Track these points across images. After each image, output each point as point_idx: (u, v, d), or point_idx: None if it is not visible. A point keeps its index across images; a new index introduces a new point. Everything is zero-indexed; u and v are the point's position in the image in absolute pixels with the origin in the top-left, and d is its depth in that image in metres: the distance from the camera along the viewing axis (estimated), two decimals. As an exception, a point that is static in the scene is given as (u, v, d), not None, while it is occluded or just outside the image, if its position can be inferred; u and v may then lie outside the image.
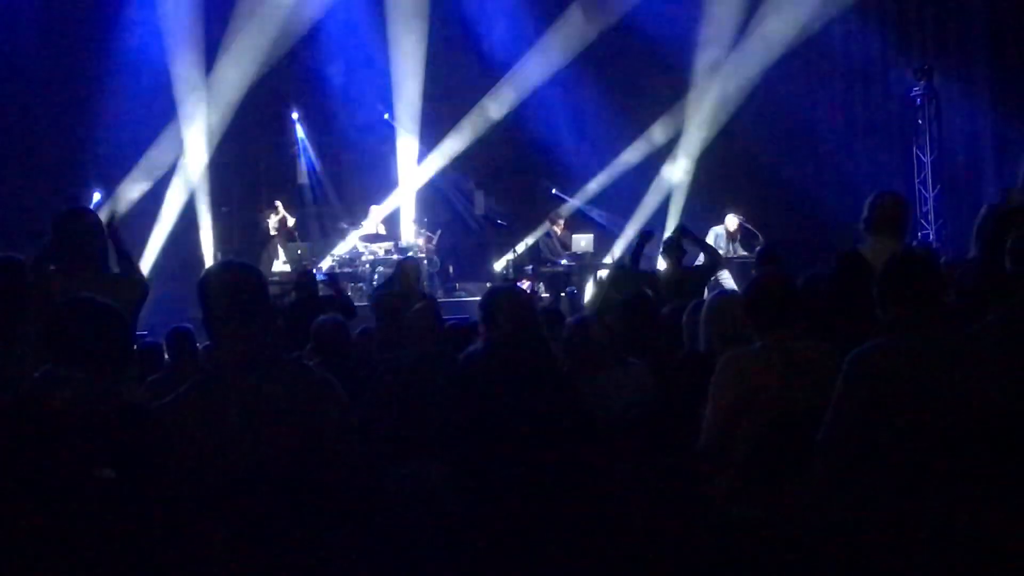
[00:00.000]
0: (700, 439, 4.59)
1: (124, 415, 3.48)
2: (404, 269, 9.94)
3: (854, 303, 4.95)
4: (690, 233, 10.53)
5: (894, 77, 16.21)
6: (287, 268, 15.17)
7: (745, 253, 14.73)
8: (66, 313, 3.52)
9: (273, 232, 15.91)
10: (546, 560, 4.68)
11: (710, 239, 14.45)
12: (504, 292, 5.25)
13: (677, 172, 17.49)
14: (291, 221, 16.06)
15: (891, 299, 3.90)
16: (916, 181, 15.67)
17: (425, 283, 12.64)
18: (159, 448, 3.37)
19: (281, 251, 15.70)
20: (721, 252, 14.67)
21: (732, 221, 15.19)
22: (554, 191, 17.64)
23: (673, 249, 10.02)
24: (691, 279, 9.62)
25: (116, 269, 5.71)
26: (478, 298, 5.52)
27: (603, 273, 13.87)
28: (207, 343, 4.01)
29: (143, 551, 3.32)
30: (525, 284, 14.79)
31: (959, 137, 15.66)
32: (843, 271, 5.49)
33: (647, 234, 10.50)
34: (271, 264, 15.40)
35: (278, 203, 16.21)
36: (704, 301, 5.63)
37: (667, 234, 11.36)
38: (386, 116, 17.76)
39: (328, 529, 3.49)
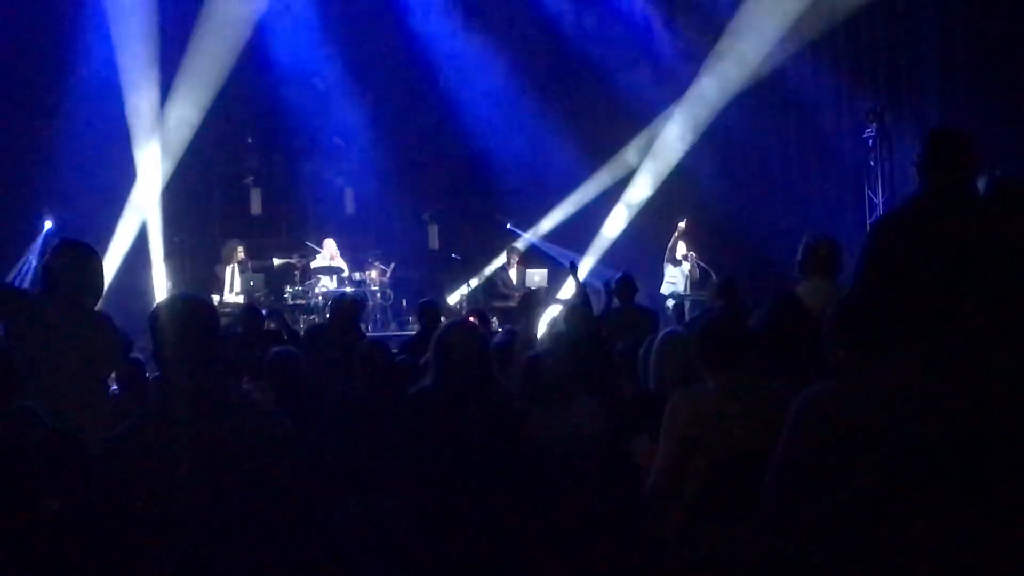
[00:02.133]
0: (650, 477, 4.59)
1: (53, 441, 3.46)
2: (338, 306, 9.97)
3: (790, 345, 5.01)
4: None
5: (847, 117, 16.38)
6: (239, 299, 15.10)
7: (697, 289, 14.86)
8: None
9: (232, 264, 15.78)
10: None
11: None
12: (455, 329, 5.25)
13: (630, 208, 17.57)
14: (241, 255, 15.97)
15: (838, 343, 3.92)
16: (868, 220, 15.82)
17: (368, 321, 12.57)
18: (97, 478, 3.34)
19: (238, 282, 15.59)
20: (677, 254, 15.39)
21: (680, 246, 15.55)
22: (509, 226, 17.69)
23: (625, 287, 10.09)
24: (644, 317, 9.66)
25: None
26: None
27: (555, 309, 13.91)
28: (157, 375, 3.99)
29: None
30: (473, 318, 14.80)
31: (910, 178, 15.77)
32: (779, 313, 5.54)
33: (573, 266, 11.13)
34: (222, 294, 15.29)
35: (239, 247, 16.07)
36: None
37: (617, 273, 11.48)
38: (340, 146, 17.76)
39: (276, 564, 3.46)
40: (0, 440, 3.41)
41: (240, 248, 15.83)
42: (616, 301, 10.13)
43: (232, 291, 15.52)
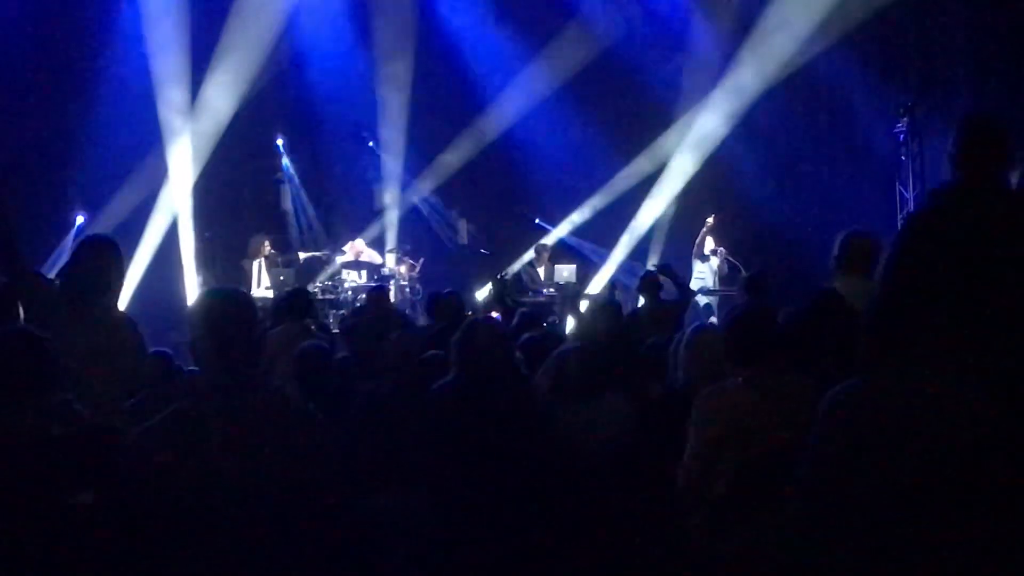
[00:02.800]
0: (679, 474, 4.57)
1: (91, 435, 3.49)
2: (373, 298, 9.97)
3: (829, 340, 4.96)
4: (670, 270, 10.49)
5: (877, 112, 16.27)
6: (268, 294, 15.15)
7: (727, 284, 14.84)
8: None
9: (259, 258, 15.84)
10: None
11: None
12: (478, 325, 5.25)
13: (661, 203, 17.55)
14: (268, 249, 16.02)
15: (866, 340, 3.89)
16: (899, 216, 15.72)
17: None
18: (129, 471, 3.36)
19: (265, 277, 15.66)
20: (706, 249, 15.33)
21: (709, 241, 15.51)
22: (537, 221, 17.69)
23: (651, 284, 10.04)
24: (670, 313, 9.62)
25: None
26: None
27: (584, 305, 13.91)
28: (192, 368, 4.00)
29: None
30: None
31: (941, 173, 15.64)
32: (819, 308, 5.49)
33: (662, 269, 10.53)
34: (250, 288, 15.34)
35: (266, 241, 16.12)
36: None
37: (648, 267, 11.44)
38: (371, 144, 17.80)
39: (304, 558, 3.47)
40: (37, 433, 3.43)
41: (267, 242, 15.88)
42: (642, 298, 10.08)
43: (260, 285, 15.57)
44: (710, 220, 15.65)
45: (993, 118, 5.15)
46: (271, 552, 3.36)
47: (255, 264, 15.70)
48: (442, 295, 10.00)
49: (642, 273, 10.50)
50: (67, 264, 5.37)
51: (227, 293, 3.74)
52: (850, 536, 3.71)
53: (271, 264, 15.92)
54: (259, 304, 13.91)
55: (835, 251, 6.35)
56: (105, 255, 5.36)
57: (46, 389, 3.58)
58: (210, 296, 3.66)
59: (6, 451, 3.37)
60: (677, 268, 10.86)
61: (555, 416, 5.37)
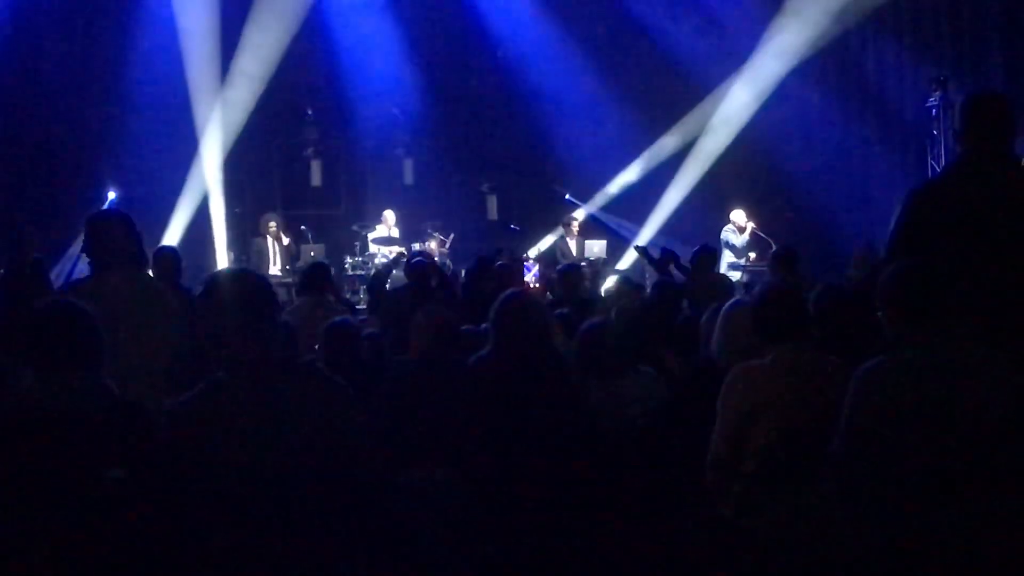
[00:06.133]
0: (710, 450, 4.58)
1: (122, 413, 3.52)
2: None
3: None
4: (676, 258, 10.36)
5: (909, 87, 16.16)
6: (275, 270, 15.23)
7: (757, 260, 14.79)
8: (39, 320, 3.58)
9: (273, 238, 15.83)
10: (556, 568, 4.69)
11: (725, 238, 15.20)
12: (515, 299, 5.23)
13: (691, 179, 17.49)
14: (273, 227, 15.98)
15: (888, 314, 3.89)
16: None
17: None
18: (165, 446, 3.39)
19: (279, 254, 15.64)
20: (736, 247, 15.24)
21: (739, 215, 15.36)
22: (568, 196, 17.67)
23: (704, 258, 10.06)
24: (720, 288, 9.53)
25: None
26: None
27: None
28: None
29: (154, 551, 3.34)
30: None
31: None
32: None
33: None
34: (268, 267, 15.36)
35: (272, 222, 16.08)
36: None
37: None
38: (400, 118, 17.81)
39: (337, 533, 3.50)
40: (73, 411, 3.46)
41: (273, 222, 15.82)
42: (676, 273, 10.00)
43: (275, 264, 15.59)
44: (740, 216, 15.50)
45: (996, 94, 5.11)
46: (306, 525, 3.39)
47: (268, 242, 15.67)
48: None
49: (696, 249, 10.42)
50: (85, 241, 5.37)
51: (244, 272, 3.79)
52: (883, 509, 3.72)
53: (302, 240, 15.96)
54: (277, 281, 13.97)
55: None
56: (105, 227, 5.37)
57: (94, 365, 3.61)
58: (230, 276, 3.67)
59: (50, 426, 3.40)
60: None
61: (588, 391, 5.37)
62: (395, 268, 11.40)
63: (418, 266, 9.89)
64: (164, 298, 5.46)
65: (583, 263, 15.60)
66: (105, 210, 5.58)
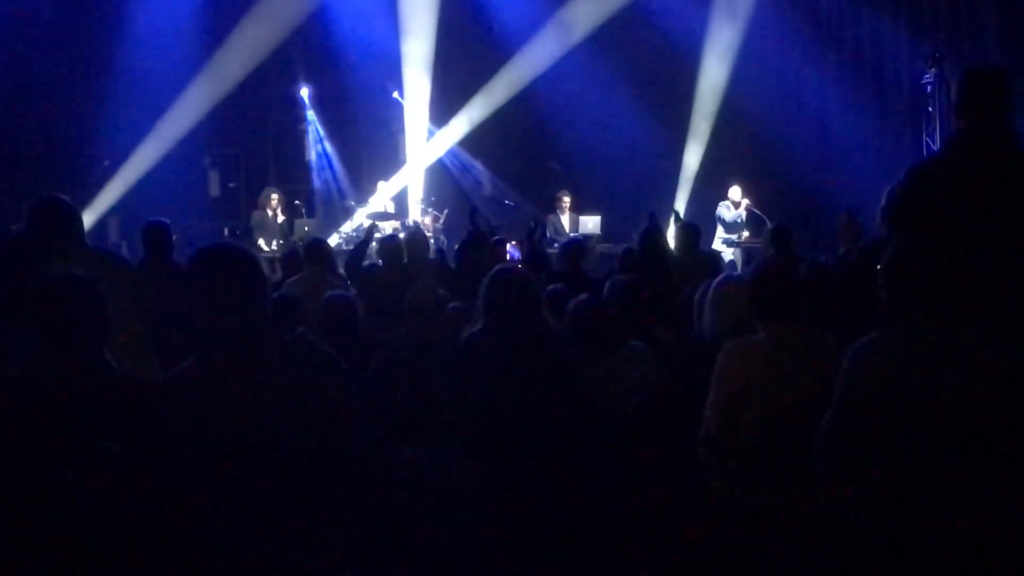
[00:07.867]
0: (703, 426, 4.58)
1: (120, 387, 3.52)
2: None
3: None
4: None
5: (905, 64, 16.15)
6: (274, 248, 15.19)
7: (751, 238, 14.82)
8: (43, 293, 3.57)
9: (271, 212, 15.76)
10: (551, 544, 4.70)
11: (718, 213, 15.35)
12: (506, 275, 5.23)
13: (686, 156, 17.50)
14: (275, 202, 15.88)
15: (886, 292, 3.88)
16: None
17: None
18: (160, 418, 3.39)
19: (277, 229, 15.58)
20: (727, 221, 15.38)
21: (735, 191, 15.47)
22: (557, 166, 17.66)
23: (686, 233, 10.03)
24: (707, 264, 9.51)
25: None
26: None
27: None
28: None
29: (148, 524, 3.35)
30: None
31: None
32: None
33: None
34: (268, 243, 15.29)
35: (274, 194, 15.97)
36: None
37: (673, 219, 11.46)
38: (395, 94, 17.78)
39: (331, 505, 3.51)
40: (75, 386, 3.46)
41: (275, 196, 15.72)
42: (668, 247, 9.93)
43: (274, 238, 15.54)
44: (736, 191, 15.55)
45: (996, 68, 5.08)
46: (296, 498, 3.40)
47: (268, 216, 15.61)
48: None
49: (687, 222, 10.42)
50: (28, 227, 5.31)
51: (230, 245, 3.73)
52: (874, 485, 3.73)
53: (295, 215, 15.93)
54: (270, 256, 13.89)
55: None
56: (39, 213, 5.29)
57: (99, 340, 3.60)
58: (216, 250, 3.60)
59: (52, 399, 3.40)
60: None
61: (582, 364, 5.37)
62: (370, 242, 10.97)
63: (389, 241, 9.74)
64: (110, 267, 5.38)
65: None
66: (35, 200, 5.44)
